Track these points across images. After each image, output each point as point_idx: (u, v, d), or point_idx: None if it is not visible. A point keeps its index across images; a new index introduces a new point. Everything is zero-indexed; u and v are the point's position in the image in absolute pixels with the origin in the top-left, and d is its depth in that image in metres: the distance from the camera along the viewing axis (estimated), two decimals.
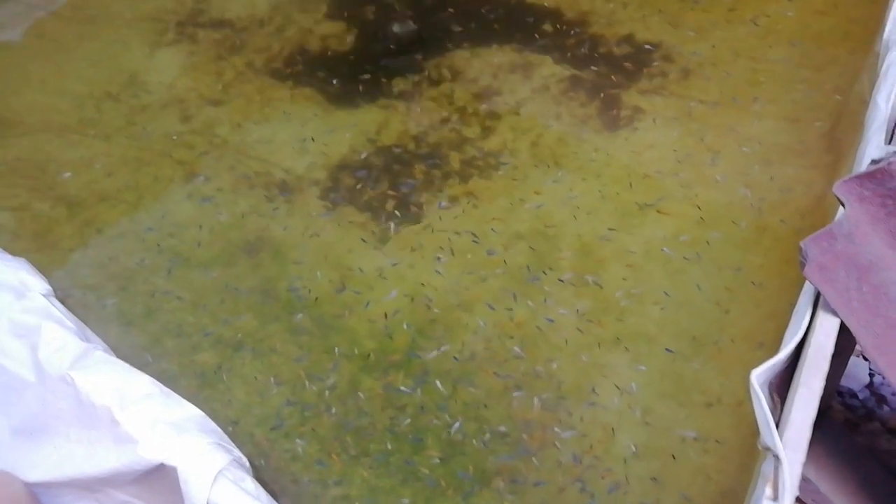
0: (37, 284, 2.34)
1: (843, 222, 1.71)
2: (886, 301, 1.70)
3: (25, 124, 3.72)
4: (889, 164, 1.75)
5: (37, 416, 1.99)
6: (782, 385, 1.79)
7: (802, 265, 1.69)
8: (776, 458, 1.45)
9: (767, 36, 3.78)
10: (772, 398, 1.79)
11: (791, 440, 1.49)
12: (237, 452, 1.95)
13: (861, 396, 2.60)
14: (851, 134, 2.68)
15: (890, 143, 2.00)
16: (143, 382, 2.00)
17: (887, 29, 2.58)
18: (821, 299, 1.75)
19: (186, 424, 1.90)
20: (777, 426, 1.69)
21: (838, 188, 1.79)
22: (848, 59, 3.53)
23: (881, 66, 2.46)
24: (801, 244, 1.69)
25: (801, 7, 3.92)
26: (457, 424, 2.57)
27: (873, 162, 2.00)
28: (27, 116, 3.76)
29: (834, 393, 2.56)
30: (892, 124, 2.11)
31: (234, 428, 2.61)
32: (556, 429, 2.53)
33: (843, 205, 1.77)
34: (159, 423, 1.87)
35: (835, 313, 1.71)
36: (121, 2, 4.40)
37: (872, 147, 2.07)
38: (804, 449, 1.48)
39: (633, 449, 2.46)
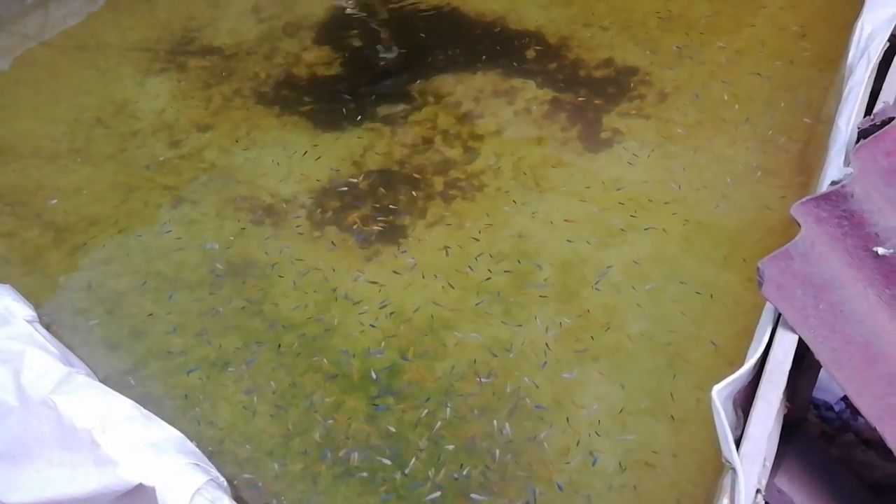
0: (21, 311, 2.39)
1: (798, 243, 1.77)
2: (843, 318, 1.76)
3: (15, 151, 3.78)
4: (843, 186, 1.82)
5: (19, 439, 2.03)
6: (746, 399, 1.84)
7: (760, 284, 1.75)
8: (733, 471, 1.50)
9: (742, 59, 3.87)
10: (735, 412, 1.84)
11: (748, 453, 1.54)
12: (215, 472, 1.98)
13: (836, 409, 2.64)
14: (820, 155, 2.76)
15: (848, 164, 2.07)
16: (123, 405, 2.04)
17: (851, 53, 2.67)
18: (781, 317, 1.80)
19: (165, 445, 1.94)
20: (740, 440, 1.74)
21: (796, 209, 1.85)
22: (819, 80, 3.62)
23: (844, 89, 2.54)
24: (759, 264, 1.75)
25: (774, 31, 4.02)
26: (439, 441, 2.60)
27: (833, 183, 2.07)
28: (18, 144, 3.83)
29: (809, 405, 2.61)
30: (852, 146, 2.18)
31: (219, 448, 2.64)
32: (537, 443, 2.56)
33: (800, 225, 1.84)
34: (139, 444, 1.91)
35: (793, 330, 1.76)
36: (112, 31, 4.50)
37: (833, 169, 2.14)
38: (761, 462, 1.52)
39: (612, 462, 2.50)
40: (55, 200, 3.54)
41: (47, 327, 2.54)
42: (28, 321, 2.34)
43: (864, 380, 1.77)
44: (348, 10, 4.55)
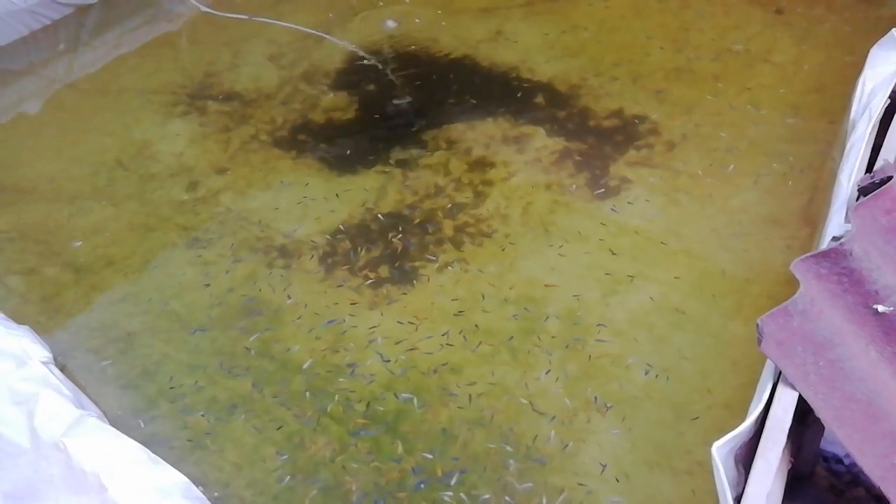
0: (38, 352, 2.45)
1: (798, 300, 1.80)
2: (843, 375, 1.77)
3: (38, 191, 3.90)
4: (842, 244, 1.85)
5: (29, 481, 2.06)
6: (747, 456, 1.84)
7: (759, 341, 1.77)
8: None
9: (749, 111, 3.94)
10: (737, 468, 1.84)
11: None
12: None
13: (846, 462, 2.61)
14: (824, 208, 2.79)
15: (848, 221, 2.10)
16: (131, 449, 2.08)
17: (853, 108, 2.72)
18: (781, 373, 1.82)
19: (171, 490, 1.97)
20: (742, 496, 1.74)
21: (795, 266, 1.88)
22: (825, 134, 3.67)
23: (847, 145, 2.59)
24: (758, 321, 1.78)
25: (782, 84, 4.10)
26: (442, 488, 2.60)
27: (834, 239, 2.10)
28: (41, 184, 3.95)
29: (817, 458, 2.59)
30: (852, 203, 2.21)
31: (224, 491, 2.66)
32: (539, 492, 2.56)
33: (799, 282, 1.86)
34: (145, 489, 1.94)
35: (794, 387, 1.77)
36: (135, 76, 4.66)
37: (834, 225, 2.17)
38: None
39: None
40: (80, 242, 3.62)
41: (62, 368, 2.59)
42: (44, 362, 2.40)
43: (866, 438, 1.77)
44: (365, 59, 4.68)
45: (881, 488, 1.72)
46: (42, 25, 5.00)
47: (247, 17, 5.11)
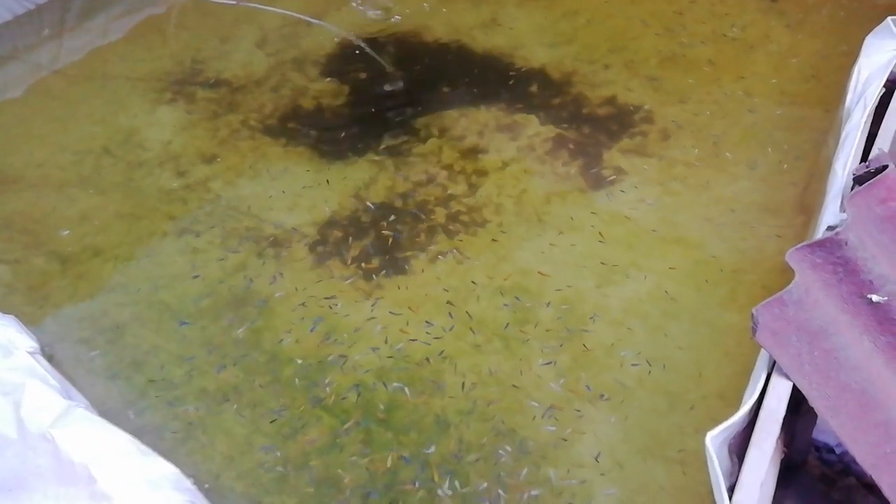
0: (24, 342, 2.41)
1: (793, 289, 1.79)
2: (837, 365, 1.76)
3: (24, 180, 3.84)
4: (837, 233, 1.83)
5: (16, 472, 2.04)
6: (741, 445, 1.84)
7: (754, 331, 1.76)
8: None
9: (744, 99, 3.92)
10: (730, 458, 1.83)
11: (741, 502, 1.54)
12: None
13: (838, 451, 2.62)
14: (819, 196, 2.78)
15: (843, 210, 2.09)
16: (121, 440, 2.05)
17: (848, 97, 2.70)
18: (775, 363, 1.81)
19: (161, 482, 1.95)
20: (735, 486, 1.74)
21: (790, 256, 1.87)
22: (820, 122, 3.66)
23: (842, 133, 2.57)
24: (753, 310, 1.77)
25: (776, 72, 4.08)
26: (437, 480, 2.59)
27: (829, 228, 2.09)
28: (27, 172, 3.88)
29: (809, 448, 2.59)
30: (847, 192, 2.20)
31: (215, 482, 2.64)
32: (533, 486, 2.55)
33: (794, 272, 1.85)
34: (134, 480, 1.92)
35: (788, 377, 1.77)
36: (123, 62, 4.58)
37: (829, 214, 2.16)
38: None
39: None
40: (67, 231, 3.56)
41: (49, 358, 2.56)
42: (30, 353, 2.37)
43: (859, 427, 1.77)
44: (355, 45, 4.63)
45: (873, 476, 1.72)
46: (26, 10, 4.91)
47: (235, 2, 5.03)
